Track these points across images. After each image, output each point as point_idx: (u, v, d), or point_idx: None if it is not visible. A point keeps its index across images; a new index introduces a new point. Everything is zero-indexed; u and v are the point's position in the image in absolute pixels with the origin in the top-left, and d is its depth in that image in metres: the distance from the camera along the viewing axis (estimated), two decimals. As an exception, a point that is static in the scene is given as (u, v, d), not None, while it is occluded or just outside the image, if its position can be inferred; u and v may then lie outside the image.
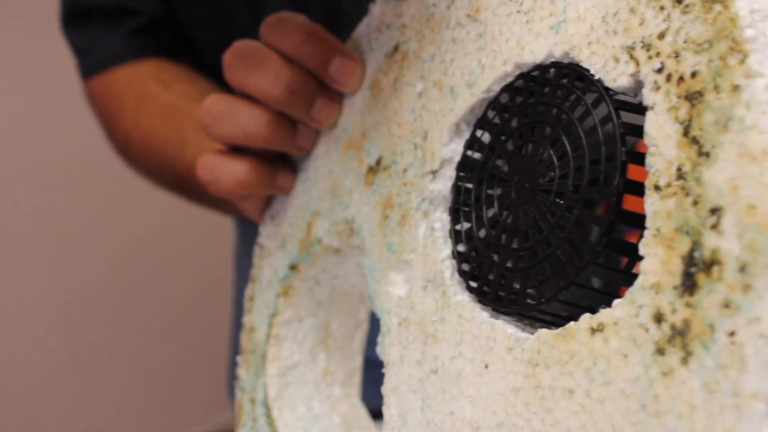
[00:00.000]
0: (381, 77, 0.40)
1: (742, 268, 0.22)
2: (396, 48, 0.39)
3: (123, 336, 1.29)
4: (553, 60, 0.30)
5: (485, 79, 0.33)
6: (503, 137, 0.32)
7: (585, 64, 0.29)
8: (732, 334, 0.22)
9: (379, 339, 0.36)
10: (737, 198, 0.23)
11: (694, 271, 0.23)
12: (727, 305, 0.22)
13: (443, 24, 0.36)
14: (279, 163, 0.45)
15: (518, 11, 0.32)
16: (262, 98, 0.41)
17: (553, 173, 0.29)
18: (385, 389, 0.35)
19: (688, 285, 0.24)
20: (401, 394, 0.34)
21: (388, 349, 0.35)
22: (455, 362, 0.32)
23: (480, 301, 0.32)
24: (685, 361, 0.23)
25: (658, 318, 0.24)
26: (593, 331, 0.26)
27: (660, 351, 0.24)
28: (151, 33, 0.65)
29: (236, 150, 0.44)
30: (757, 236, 0.22)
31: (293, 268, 0.44)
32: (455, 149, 0.35)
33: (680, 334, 0.24)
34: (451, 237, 0.34)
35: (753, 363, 0.22)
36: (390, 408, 0.35)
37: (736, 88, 0.24)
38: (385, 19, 0.41)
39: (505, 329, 0.30)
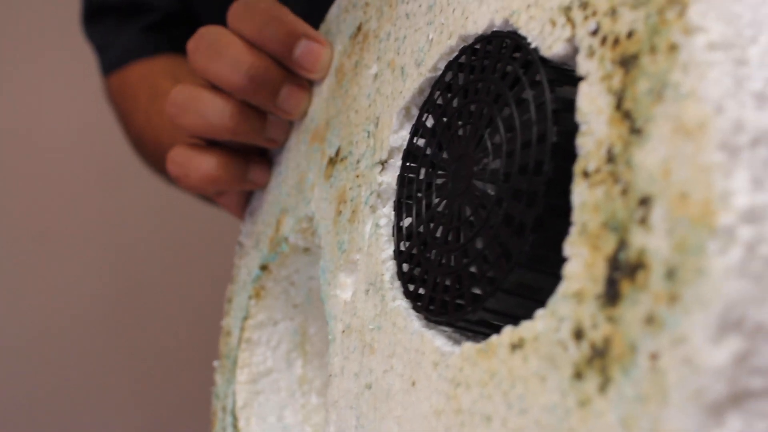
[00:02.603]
0: (345, 61, 0.36)
1: (670, 274, 0.17)
2: (359, 28, 0.35)
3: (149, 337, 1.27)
4: (494, 30, 0.25)
5: (432, 56, 0.28)
6: (445, 120, 0.27)
7: (523, 32, 0.24)
8: (654, 357, 0.17)
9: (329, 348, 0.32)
10: (669, 184, 0.17)
11: (618, 276, 0.18)
12: (650, 320, 0.17)
13: (400, -2, 0.32)
14: (253, 156, 0.41)
15: None
16: (224, 86, 0.37)
17: (486, 159, 0.24)
18: (327, 404, 0.31)
19: (611, 294, 0.18)
20: (340, 410, 0.30)
21: (332, 359, 0.31)
22: (387, 377, 0.27)
23: (415, 308, 0.27)
24: (603, 388, 0.18)
25: (578, 334, 0.19)
26: (513, 347, 0.21)
27: (578, 375, 0.19)
28: (165, 29, 0.62)
29: (211, 143, 0.41)
30: (688, 233, 0.17)
31: (264, 268, 0.39)
32: (405, 136, 0.30)
33: (600, 355, 0.18)
34: (394, 235, 0.29)
35: (675, 396, 0.16)
36: (330, 425, 0.30)
37: (673, 47, 0.18)
38: (352, -2, 0.36)
39: (433, 342, 0.25)
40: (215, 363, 0.43)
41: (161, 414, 1.24)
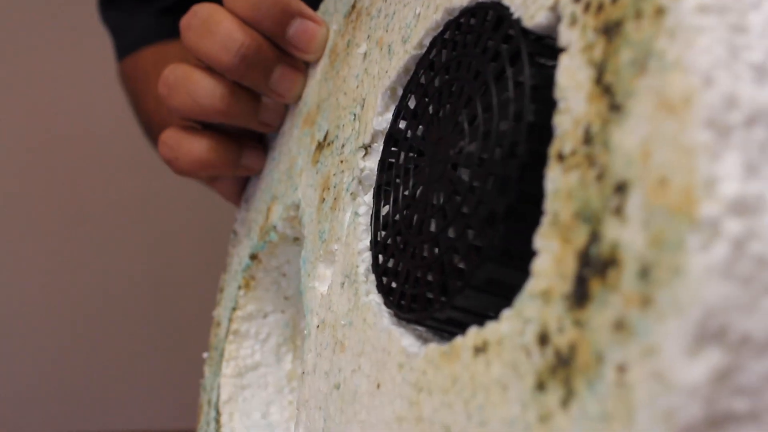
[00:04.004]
0: (338, 41, 0.33)
1: (643, 273, 0.14)
2: (353, 6, 0.33)
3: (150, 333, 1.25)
4: (478, 1, 0.23)
5: (418, 33, 0.26)
6: (426, 100, 0.25)
7: (506, 1, 0.21)
8: (621, 369, 0.14)
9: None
10: (647, 168, 0.15)
11: (589, 274, 0.16)
12: (619, 326, 0.14)
13: (392, -28, 0.29)
14: (247, 141, 0.39)
15: None
16: (215, 66, 0.35)
17: (463, 142, 0.22)
18: (298, 402, 0.28)
19: (580, 294, 0.16)
20: (309, 410, 0.27)
21: (306, 356, 0.29)
22: (354, 377, 0.24)
23: (386, 303, 0.24)
24: (565, 403, 0.15)
25: (543, 339, 0.16)
26: (477, 350, 0.19)
27: (540, 386, 0.16)
28: (180, 12, 0.61)
29: (205, 126, 0.39)
30: (665, 225, 0.14)
31: (254, 257, 0.37)
32: (390, 118, 0.27)
33: (564, 363, 0.16)
34: (371, 224, 0.26)
35: (643, 416, 0.14)
36: (299, 426, 0.28)
37: (659, 11, 0.15)
38: (348, -25, 0.34)
39: (400, 341, 0.22)
40: (204, 354, 0.41)
41: (176, 402, 1.23)
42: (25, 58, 1.21)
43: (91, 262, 1.23)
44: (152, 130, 0.59)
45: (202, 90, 0.36)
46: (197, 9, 0.36)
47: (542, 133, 0.19)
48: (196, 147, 0.37)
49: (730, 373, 0.13)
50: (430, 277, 0.22)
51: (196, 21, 0.36)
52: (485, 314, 0.20)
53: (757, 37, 0.15)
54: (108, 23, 0.63)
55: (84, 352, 1.22)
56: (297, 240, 0.36)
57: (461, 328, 0.21)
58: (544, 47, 0.20)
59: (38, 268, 1.21)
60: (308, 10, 0.35)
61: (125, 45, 0.61)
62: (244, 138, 0.39)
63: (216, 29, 0.35)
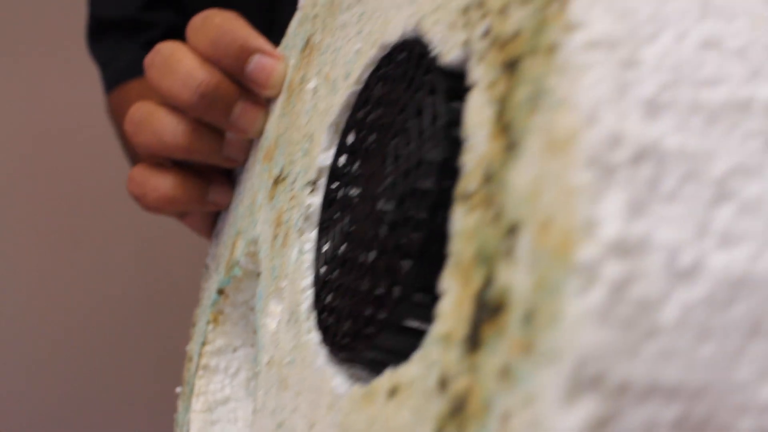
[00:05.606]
0: (295, 76, 0.33)
1: (527, 318, 0.14)
2: (307, 41, 0.32)
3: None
4: (406, 37, 0.22)
5: (357, 68, 0.26)
6: (362, 135, 0.24)
7: (428, 37, 0.21)
8: (505, 418, 0.14)
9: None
10: (535, 209, 0.14)
11: (483, 318, 0.15)
12: (505, 373, 0.14)
13: (340, 8, 0.29)
14: (215, 176, 0.39)
15: None
16: (176, 103, 0.35)
17: (389, 179, 0.21)
18: (248, 442, 0.28)
19: (474, 339, 0.15)
20: (256, 451, 0.27)
21: (257, 393, 0.28)
22: (294, 417, 0.24)
23: (323, 341, 0.24)
24: (459, 451, 0.15)
25: (443, 383, 0.16)
26: (390, 393, 0.18)
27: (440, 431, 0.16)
28: (166, 47, 0.61)
29: (175, 163, 0.39)
30: (548, 268, 0.14)
31: (221, 292, 0.37)
32: (333, 154, 0.27)
33: (459, 410, 0.15)
34: (315, 260, 0.26)
35: (522, 467, 0.13)
36: (247, 466, 0.27)
37: (552, 48, 0.15)
38: (306, 10, 0.34)
39: (331, 381, 0.22)
40: (178, 389, 0.40)
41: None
42: (20, 69, 1.23)
43: (71, 289, 1.22)
44: (137, 161, 0.60)
45: (164, 128, 0.36)
46: (160, 47, 0.36)
47: (455, 171, 0.18)
48: (162, 184, 0.37)
49: (608, 421, 0.13)
50: (361, 314, 0.21)
51: (158, 59, 0.36)
52: (409, 354, 0.20)
53: (650, 71, 0.15)
54: (96, 56, 0.63)
55: (60, 388, 1.21)
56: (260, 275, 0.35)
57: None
58: (462, 83, 0.20)
59: (24, 285, 1.21)
60: (267, 46, 0.35)
61: (112, 78, 0.62)
62: (211, 173, 0.39)
63: (176, 67, 0.35)
